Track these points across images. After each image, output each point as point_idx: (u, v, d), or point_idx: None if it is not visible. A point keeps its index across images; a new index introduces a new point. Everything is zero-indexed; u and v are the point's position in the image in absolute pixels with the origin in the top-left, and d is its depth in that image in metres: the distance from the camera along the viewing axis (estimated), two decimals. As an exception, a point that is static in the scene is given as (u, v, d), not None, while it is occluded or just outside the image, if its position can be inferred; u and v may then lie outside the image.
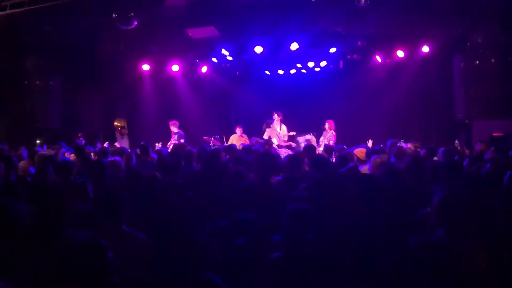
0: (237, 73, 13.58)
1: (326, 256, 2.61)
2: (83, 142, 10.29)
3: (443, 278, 2.26)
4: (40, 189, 3.61)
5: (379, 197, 3.55)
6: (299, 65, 12.79)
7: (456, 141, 9.29)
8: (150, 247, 2.83)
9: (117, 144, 10.48)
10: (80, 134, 10.44)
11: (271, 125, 10.63)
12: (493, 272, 2.44)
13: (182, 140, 10.60)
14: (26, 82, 11.21)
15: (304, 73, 13.05)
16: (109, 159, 5.64)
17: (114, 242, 2.83)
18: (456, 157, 5.82)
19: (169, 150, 8.56)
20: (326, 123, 10.53)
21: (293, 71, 13.15)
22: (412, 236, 2.62)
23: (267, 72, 13.34)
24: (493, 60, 9.91)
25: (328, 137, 10.30)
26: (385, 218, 3.22)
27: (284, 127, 10.73)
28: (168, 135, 11.00)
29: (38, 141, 10.35)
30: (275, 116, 10.64)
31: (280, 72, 13.28)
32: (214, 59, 12.42)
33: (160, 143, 10.24)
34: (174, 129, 10.79)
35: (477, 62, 9.96)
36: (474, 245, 2.53)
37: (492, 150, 6.18)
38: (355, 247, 2.84)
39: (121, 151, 7.26)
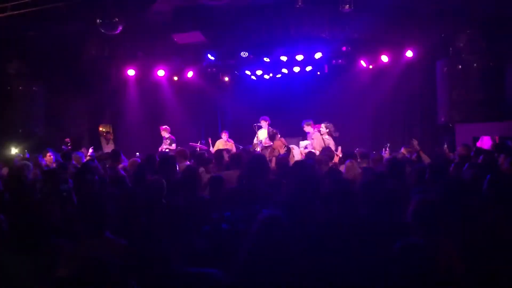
0: (226, 79, 13.59)
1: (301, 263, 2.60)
2: (69, 147, 10.20)
3: (424, 282, 2.28)
4: (21, 197, 3.58)
5: (359, 200, 3.59)
6: (284, 70, 12.84)
7: (445, 144, 9.38)
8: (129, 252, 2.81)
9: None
10: (67, 139, 10.32)
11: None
12: (471, 276, 2.47)
13: (173, 145, 10.58)
14: (9, 88, 11.06)
15: (290, 78, 13.11)
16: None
17: (97, 249, 2.83)
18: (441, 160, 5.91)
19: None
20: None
21: (279, 75, 13.20)
22: (395, 239, 2.64)
23: (253, 77, 13.37)
24: (475, 64, 10.06)
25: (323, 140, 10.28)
26: (364, 222, 3.25)
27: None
28: (155, 140, 10.96)
29: (15, 149, 10.14)
30: (263, 121, 10.56)
31: (266, 77, 13.32)
32: (200, 64, 12.41)
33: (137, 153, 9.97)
34: (165, 134, 10.78)
35: (460, 66, 10.10)
36: (452, 248, 2.56)
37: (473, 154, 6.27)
38: (332, 253, 2.86)
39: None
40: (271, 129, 9.73)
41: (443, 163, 5.66)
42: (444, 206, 2.66)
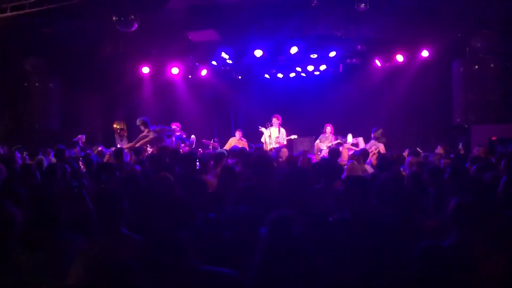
0: (239, 77, 13.60)
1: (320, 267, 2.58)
2: (83, 139, 10.30)
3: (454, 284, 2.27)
4: (37, 192, 3.61)
5: (378, 201, 3.56)
6: (298, 69, 12.81)
7: (460, 145, 9.29)
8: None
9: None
10: (82, 135, 10.40)
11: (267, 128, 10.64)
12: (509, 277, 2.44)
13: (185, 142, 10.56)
14: (25, 84, 11.21)
15: (304, 76, 13.07)
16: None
17: (112, 245, 2.84)
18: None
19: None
20: (328, 127, 10.49)
21: (292, 74, 13.17)
22: (416, 242, 2.62)
23: (266, 76, 13.36)
24: (492, 65, 9.94)
25: (329, 140, 10.29)
26: (384, 223, 3.23)
27: (283, 130, 10.71)
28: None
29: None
30: (274, 119, 10.62)
31: (280, 75, 13.30)
32: (214, 62, 12.43)
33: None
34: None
35: (476, 67, 9.99)
36: (490, 249, 2.53)
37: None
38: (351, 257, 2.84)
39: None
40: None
41: (463, 164, 5.60)
42: (482, 207, 2.63)
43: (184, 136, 10.72)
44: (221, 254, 2.86)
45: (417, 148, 8.61)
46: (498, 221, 2.87)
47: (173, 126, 10.72)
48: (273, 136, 10.45)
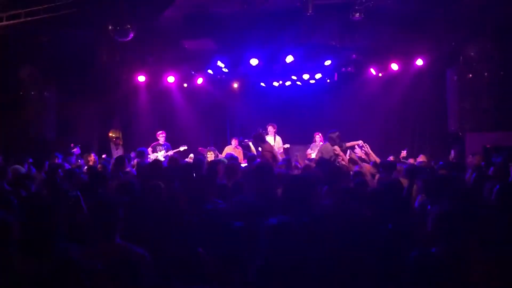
0: (235, 86, 13.64)
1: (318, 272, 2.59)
2: (78, 152, 10.27)
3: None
4: (33, 201, 3.61)
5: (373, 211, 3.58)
6: (294, 77, 12.86)
7: (452, 153, 9.35)
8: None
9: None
10: (72, 144, 10.39)
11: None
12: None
13: (170, 152, 10.51)
14: (21, 93, 11.18)
15: (299, 85, 13.12)
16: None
17: (107, 255, 2.84)
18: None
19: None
20: (317, 135, 10.57)
21: (288, 83, 13.22)
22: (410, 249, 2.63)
23: (262, 84, 13.40)
24: (485, 73, 10.01)
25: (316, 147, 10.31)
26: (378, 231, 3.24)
27: (278, 138, 10.72)
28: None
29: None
30: (270, 128, 10.62)
31: (275, 84, 13.35)
32: (209, 71, 12.47)
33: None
34: (161, 140, 10.76)
35: (470, 75, 10.06)
36: (474, 257, 2.55)
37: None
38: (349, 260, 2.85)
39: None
40: None
41: (456, 173, 5.62)
42: (463, 216, 2.65)
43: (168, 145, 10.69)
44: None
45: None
46: (489, 229, 2.89)
47: (159, 135, 10.68)
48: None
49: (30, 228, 3.02)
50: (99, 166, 7.73)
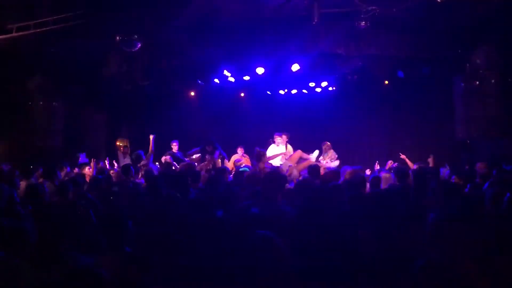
0: (241, 94, 13.69)
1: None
2: (83, 160, 10.35)
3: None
4: (43, 211, 3.64)
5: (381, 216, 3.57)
6: (300, 86, 12.89)
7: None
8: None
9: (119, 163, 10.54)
10: (79, 154, 10.50)
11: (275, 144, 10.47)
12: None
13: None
14: (30, 103, 11.30)
15: (305, 93, 13.14)
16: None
17: (115, 265, 2.86)
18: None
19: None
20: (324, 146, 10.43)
21: (294, 91, 13.24)
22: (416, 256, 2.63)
23: (268, 93, 13.44)
24: (493, 80, 9.98)
25: (330, 157, 10.26)
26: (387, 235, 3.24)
27: (290, 148, 10.58)
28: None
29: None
30: (284, 137, 10.44)
31: (282, 92, 13.38)
32: (216, 80, 12.53)
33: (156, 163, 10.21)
34: (174, 149, 10.93)
35: (477, 82, 10.04)
36: (470, 266, 2.54)
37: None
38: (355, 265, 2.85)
39: (101, 171, 7.33)
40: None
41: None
42: (462, 224, 2.64)
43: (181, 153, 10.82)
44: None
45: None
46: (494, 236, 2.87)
47: (173, 145, 10.86)
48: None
49: (41, 237, 3.05)
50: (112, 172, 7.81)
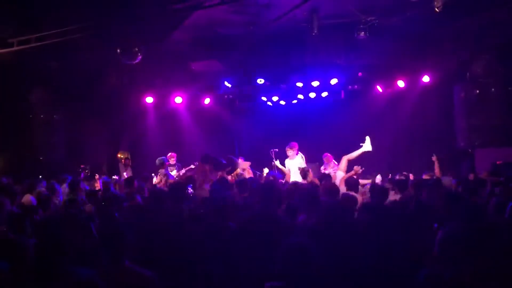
0: (242, 105, 13.73)
1: None
2: (87, 174, 10.33)
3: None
4: (43, 224, 3.63)
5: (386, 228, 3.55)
6: (300, 96, 12.91)
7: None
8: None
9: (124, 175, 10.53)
10: (82, 166, 10.47)
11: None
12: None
13: (182, 171, 10.54)
14: (31, 116, 11.33)
15: (306, 103, 13.16)
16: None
17: (115, 279, 2.84)
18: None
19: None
20: (324, 158, 10.18)
21: (294, 101, 13.26)
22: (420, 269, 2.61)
23: (269, 103, 13.46)
24: (493, 89, 9.99)
25: (332, 167, 10.16)
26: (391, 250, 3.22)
27: (302, 156, 10.11)
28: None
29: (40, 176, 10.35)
30: (294, 147, 10.00)
31: (282, 102, 13.40)
32: (217, 91, 12.57)
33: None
34: (172, 161, 10.84)
35: (477, 91, 10.05)
36: (480, 279, 2.51)
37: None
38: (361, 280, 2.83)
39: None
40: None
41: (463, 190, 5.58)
42: (471, 238, 2.62)
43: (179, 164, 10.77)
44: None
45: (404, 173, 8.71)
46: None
47: (170, 158, 10.78)
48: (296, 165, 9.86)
49: (42, 251, 3.03)
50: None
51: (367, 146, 9.35)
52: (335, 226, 3.41)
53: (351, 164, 8.79)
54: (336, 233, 3.33)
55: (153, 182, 9.00)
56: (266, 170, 9.90)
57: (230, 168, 8.28)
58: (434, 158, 8.68)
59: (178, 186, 5.08)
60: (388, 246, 3.22)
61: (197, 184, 6.79)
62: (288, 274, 2.54)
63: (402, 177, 7.57)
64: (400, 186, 5.87)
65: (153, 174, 9.58)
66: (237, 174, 8.98)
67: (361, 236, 3.34)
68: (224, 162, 8.05)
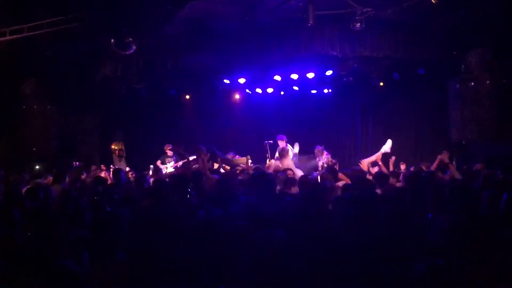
0: (237, 97, 13.69)
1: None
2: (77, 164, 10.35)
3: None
4: (36, 216, 3.60)
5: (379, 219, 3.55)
6: (295, 88, 12.88)
7: (454, 162, 9.25)
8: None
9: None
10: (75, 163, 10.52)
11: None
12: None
13: (180, 163, 10.61)
14: (24, 107, 11.24)
15: (301, 95, 13.14)
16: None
17: (110, 270, 2.82)
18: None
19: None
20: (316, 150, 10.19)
21: (290, 93, 13.23)
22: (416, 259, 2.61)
23: (263, 94, 13.42)
24: (487, 82, 10.00)
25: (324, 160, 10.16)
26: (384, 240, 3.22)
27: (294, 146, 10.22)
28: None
29: (37, 167, 10.35)
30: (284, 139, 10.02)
31: (278, 94, 13.37)
32: (211, 83, 12.52)
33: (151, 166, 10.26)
34: (169, 152, 10.90)
35: (472, 84, 10.06)
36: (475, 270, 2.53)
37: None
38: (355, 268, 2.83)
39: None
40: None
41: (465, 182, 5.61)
42: (468, 228, 2.63)
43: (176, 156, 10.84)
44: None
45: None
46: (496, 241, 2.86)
47: (167, 149, 10.84)
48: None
49: (33, 243, 3.02)
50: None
51: (386, 147, 9.21)
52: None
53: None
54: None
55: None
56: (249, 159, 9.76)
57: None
58: (444, 155, 8.31)
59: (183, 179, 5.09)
60: (381, 237, 3.22)
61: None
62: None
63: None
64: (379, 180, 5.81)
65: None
66: (242, 170, 8.88)
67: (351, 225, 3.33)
68: (219, 153, 8.28)
